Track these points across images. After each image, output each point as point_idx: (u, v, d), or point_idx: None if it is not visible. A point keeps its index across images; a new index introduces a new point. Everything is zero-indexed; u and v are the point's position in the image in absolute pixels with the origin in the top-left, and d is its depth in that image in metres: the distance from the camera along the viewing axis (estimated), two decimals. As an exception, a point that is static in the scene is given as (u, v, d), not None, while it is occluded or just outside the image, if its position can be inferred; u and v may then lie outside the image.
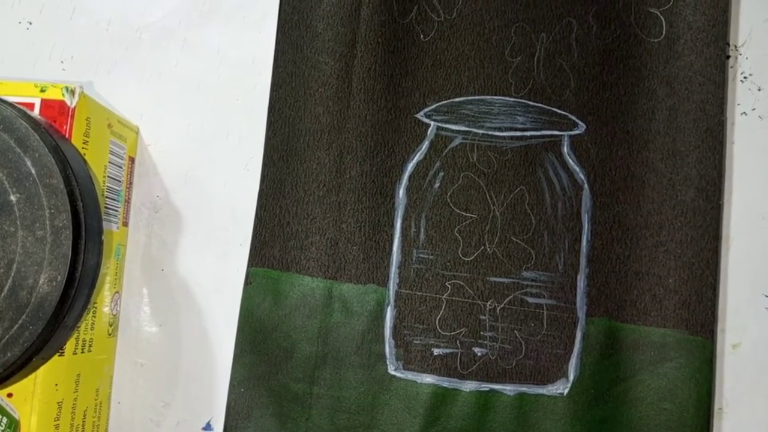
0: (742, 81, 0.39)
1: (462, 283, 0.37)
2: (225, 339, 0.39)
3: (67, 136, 0.34)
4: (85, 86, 0.37)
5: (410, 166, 0.38)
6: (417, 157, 0.38)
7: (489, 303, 0.37)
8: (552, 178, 0.38)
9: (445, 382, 0.37)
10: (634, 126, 0.38)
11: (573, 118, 0.38)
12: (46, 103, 0.34)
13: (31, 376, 0.32)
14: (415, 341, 0.37)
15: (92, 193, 0.32)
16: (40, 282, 0.29)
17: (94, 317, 0.37)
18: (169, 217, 0.40)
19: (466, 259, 0.37)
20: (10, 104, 0.31)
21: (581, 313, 0.37)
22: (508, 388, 0.36)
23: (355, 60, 0.39)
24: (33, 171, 0.30)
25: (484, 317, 0.37)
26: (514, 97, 0.38)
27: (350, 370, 0.37)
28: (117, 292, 0.39)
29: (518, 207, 0.38)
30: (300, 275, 0.38)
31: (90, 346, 0.36)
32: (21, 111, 0.31)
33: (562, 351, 0.37)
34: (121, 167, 0.39)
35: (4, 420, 0.32)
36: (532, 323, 0.37)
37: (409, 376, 0.37)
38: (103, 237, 0.33)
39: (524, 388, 0.36)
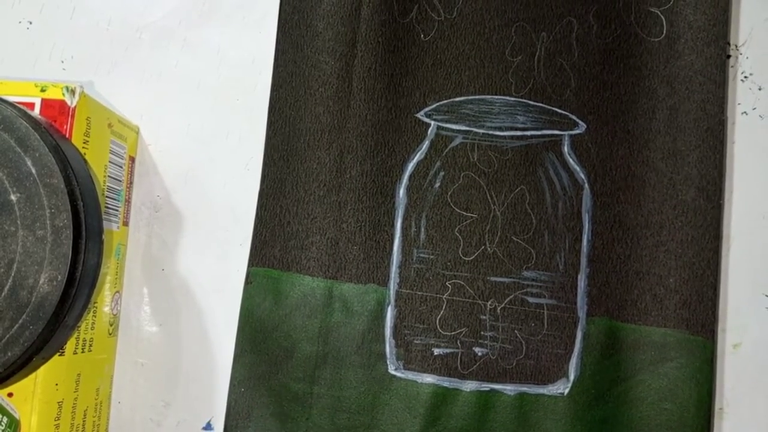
0: (742, 80, 0.39)
1: (462, 282, 0.37)
2: (225, 339, 0.39)
3: (67, 135, 0.34)
4: (85, 86, 0.37)
5: (411, 166, 0.38)
6: (417, 156, 0.38)
7: (489, 303, 0.37)
8: (552, 177, 0.38)
9: (446, 382, 0.37)
10: (634, 125, 0.38)
11: (573, 117, 0.38)
12: (46, 103, 0.34)
13: (32, 376, 0.32)
14: (415, 341, 0.37)
15: (93, 192, 0.32)
16: (41, 281, 0.29)
17: (95, 317, 0.37)
18: (169, 216, 0.40)
19: (466, 258, 0.37)
20: (11, 104, 0.31)
21: (582, 313, 0.37)
22: (509, 388, 0.36)
23: (356, 59, 0.39)
24: (33, 170, 0.30)
25: (484, 317, 0.37)
26: (515, 97, 0.38)
27: (351, 370, 0.37)
28: (117, 291, 0.39)
29: (519, 207, 0.38)
30: (300, 275, 0.38)
31: (90, 345, 0.36)
32: (21, 111, 0.31)
33: (562, 351, 0.37)
34: (121, 167, 0.39)
35: (5, 420, 0.32)
36: (532, 323, 0.37)
37: (410, 375, 0.37)
38: (103, 237, 0.33)
39: (525, 388, 0.36)
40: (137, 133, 0.41)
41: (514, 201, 0.38)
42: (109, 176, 0.37)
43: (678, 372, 0.36)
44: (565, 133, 0.38)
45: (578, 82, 0.38)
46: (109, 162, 0.37)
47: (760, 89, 0.39)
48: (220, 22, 0.41)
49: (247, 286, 0.38)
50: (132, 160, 0.40)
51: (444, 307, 0.37)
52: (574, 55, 0.38)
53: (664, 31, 0.38)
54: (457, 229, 0.38)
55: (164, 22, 0.41)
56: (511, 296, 0.37)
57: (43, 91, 0.34)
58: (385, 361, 0.37)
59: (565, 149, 0.38)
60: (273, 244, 0.38)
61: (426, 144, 0.38)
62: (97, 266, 0.32)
